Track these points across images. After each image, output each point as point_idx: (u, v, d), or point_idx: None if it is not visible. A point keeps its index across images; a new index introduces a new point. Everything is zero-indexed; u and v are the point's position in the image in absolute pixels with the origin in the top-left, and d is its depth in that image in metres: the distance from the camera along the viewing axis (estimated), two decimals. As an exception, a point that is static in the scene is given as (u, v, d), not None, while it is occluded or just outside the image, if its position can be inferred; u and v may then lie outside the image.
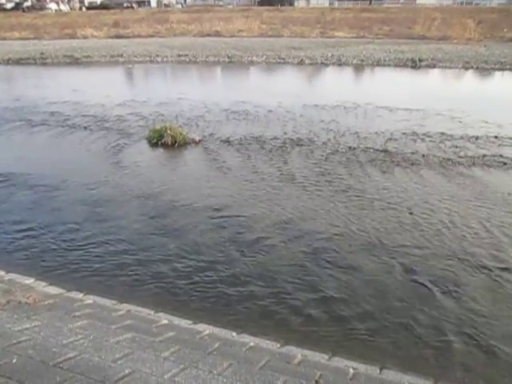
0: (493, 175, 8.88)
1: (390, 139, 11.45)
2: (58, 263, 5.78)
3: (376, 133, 12.04)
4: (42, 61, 29.48)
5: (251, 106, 15.56)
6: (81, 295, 4.90)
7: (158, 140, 11.37)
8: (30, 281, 5.14)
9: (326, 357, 3.77)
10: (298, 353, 3.72)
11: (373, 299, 4.99)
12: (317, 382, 3.07)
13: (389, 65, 25.30)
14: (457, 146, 10.75)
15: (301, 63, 26.43)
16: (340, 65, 25.94)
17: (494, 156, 9.94)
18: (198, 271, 5.56)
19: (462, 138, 11.46)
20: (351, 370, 3.46)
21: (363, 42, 35.37)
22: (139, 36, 42.65)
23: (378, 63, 25.71)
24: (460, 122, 13.14)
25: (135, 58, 29.35)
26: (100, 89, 19.66)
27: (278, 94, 17.67)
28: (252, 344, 3.83)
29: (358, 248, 6.15)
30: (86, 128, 13.01)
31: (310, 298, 5.01)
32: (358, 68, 25.21)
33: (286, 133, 12.16)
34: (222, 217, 7.13)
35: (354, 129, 12.45)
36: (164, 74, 25.33)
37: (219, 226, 6.84)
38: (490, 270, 5.56)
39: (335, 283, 5.28)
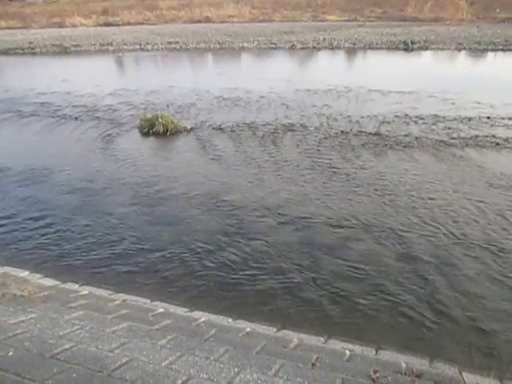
0: (486, 156, 8.90)
1: (383, 122, 11.43)
2: (52, 255, 5.75)
3: (368, 116, 12.02)
4: (30, 50, 29.10)
5: (243, 93, 15.47)
6: (76, 286, 4.88)
7: (149, 129, 11.30)
8: (24, 273, 5.12)
9: (322, 339, 3.79)
10: (294, 337, 3.74)
11: (367, 281, 5.01)
12: (313, 364, 3.09)
13: (381, 48, 25.18)
14: (450, 128, 10.75)
15: (292, 48, 26.24)
16: (332, 48, 25.79)
17: (486, 136, 9.96)
18: (192, 259, 5.55)
19: (454, 119, 11.46)
20: (347, 352, 3.48)
21: (355, 25, 35.14)
22: (129, 23, 42.14)
23: (370, 46, 25.57)
24: (453, 103, 13.13)
25: (125, 47, 29.03)
26: (90, 78, 19.46)
27: (270, 79, 17.57)
28: (248, 329, 3.84)
29: (353, 231, 6.16)
30: (76, 118, 12.91)
31: (305, 282, 5.02)
32: (350, 51, 25.07)
33: (277, 118, 12.11)
34: (215, 204, 7.13)
35: (346, 113, 12.42)
36: (155, 62, 25.10)
37: (213, 213, 6.84)
38: (485, 249, 5.59)
39: (330, 267, 5.30)
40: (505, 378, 3.32)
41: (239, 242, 5.94)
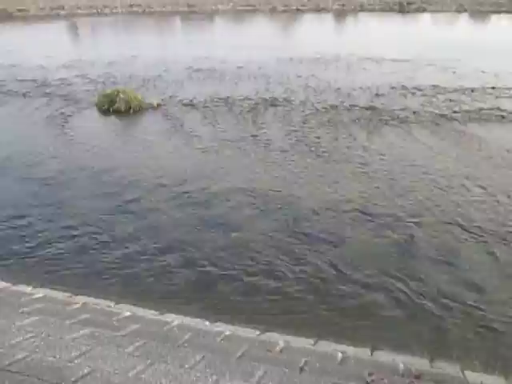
0: (490, 130, 9.04)
1: (377, 95, 11.49)
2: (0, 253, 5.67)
3: (361, 88, 12.06)
4: (-34, 16, 28.27)
5: (217, 63, 15.34)
6: (29, 288, 4.81)
7: (109, 106, 11.17)
8: (-33, 275, 5.02)
9: (312, 342, 3.82)
10: (279, 339, 3.76)
11: (361, 273, 5.05)
12: (302, 368, 3.11)
13: (373, 9, 25.22)
14: (451, 100, 10.87)
15: (273, 10, 26.08)
16: (318, 11, 25.72)
17: (491, 109, 10.11)
18: (162, 255, 5.52)
19: (456, 90, 11.59)
20: (340, 354, 3.52)
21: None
22: (82, -17, 41.13)
23: (362, 8, 25.60)
24: (454, 72, 13.26)
25: (79, 11, 28.44)
26: (39, 48, 19.03)
27: (248, 47, 17.45)
28: (228, 333, 3.84)
29: (345, 220, 6.19)
30: (24, 95, 12.66)
31: (290, 277, 5.04)
32: (339, 14, 25.04)
33: (258, 92, 12.06)
34: (187, 192, 7.07)
35: (335, 84, 12.43)
36: (114, 28, 24.66)
37: (185, 202, 6.79)
38: (489, 234, 5.69)
39: (319, 259, 5.31)
40: (510, 376, 3.41)
41: (215, 235, 5.92)
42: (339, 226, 6.06)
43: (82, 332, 3.59)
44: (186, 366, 3.09)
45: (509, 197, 6.61)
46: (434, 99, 11.05)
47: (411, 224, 6.03)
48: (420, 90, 11.76)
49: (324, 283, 4.96)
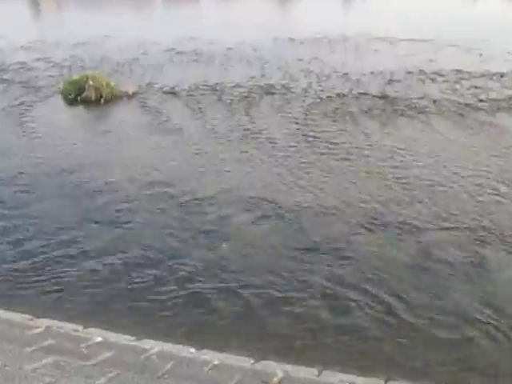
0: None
1: (391, 81, 11.50)
2: None
3: (372, 73, 12.07)
4: None
5: (204, 44, 15.33)
6: (-19, 310, 4.80)
7: (76, 95, 11.12)
8: None
9: (315, 371, 3.81)
10: (277, 369, 3.75)
11: (374, 290, 5.04)
12: (303, 403, 3.11)
13: (386, -19, 25.26)
14: (476, 87, 10.90)
15: (269, -18, 26.11)
16: (322, -18, 25.74)
17: (524, 98, 10.16)
18: (138, 269, 5.49)
19: (482, 75, 11.63)
20: (347, 386, 3.53)
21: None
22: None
23: (372, -21, 25.63)
24: (480, 54, 13.31)
25: (40, -18, 28.35)
26: (-7, 26, 18.99)
27: (240, 25, 17.44)
28: (216, 362, 3.83)
29: (354, 228, 6.18)
30: (-24, 82, 12.61)
31: (290, 295, 5.02)
32: (346, -14, 25.08)
33: (252, 78, 12.07)
34: (170, 196, 7.05)
35: (342, 69, 12.43)
36: (83, 2, 24.61)
37: (167, 208, 6.77)
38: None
39: (324, 273, 5.29)
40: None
41: (202, 245, 5.91)
42: (347, 234, 6.06)
43: (44, 361, 3.57)
44: (168, 401, 3.08)
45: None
46: (458, 86, 11.08)
47: (431, 232, 6.04)
48: (441, 75, 11.79)
49: (330, 301, 4.95)
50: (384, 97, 10.56)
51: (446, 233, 6.05)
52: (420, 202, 6.75)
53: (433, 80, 11.52)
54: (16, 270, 5.58)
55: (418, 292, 5.05)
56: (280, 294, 5.08)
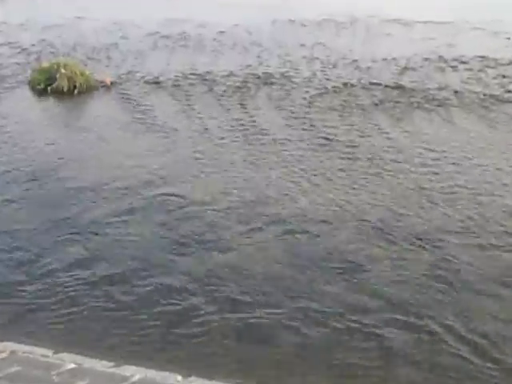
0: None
1: (406, 69, 11.51)
2: None
3: (384, 60, 12.08)
4: None
5: (192, 27, 15.34)
6: None
7: (46, 85, 11.06)
8: None
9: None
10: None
11: (388, 311, 5.02)
12: None
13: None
14: (504, 76, 10.91)
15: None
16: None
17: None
18: (118, 285, 5.44)
19: (511, 62, 11.62)
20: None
21: None
22: None
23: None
24: (508, 38, 13.32)
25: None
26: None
27: (235, 5, 17.42)
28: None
29: (364, 237, 6.15)
30: None
31: (290, 317, 4.97)
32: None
33: (248, 66, 12.06)
34: (153, 200, 7.03)
35: (350, 55, 12.44)
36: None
37: (150, 213, 6.74)
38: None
39: (331, 290, 5.25)
40: None
41: (190, 257, 5.88)
42: (356, 244, 6.03)
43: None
44: None
45: None
46: (482, 74, 11.09)
47: (453, 243, 6.00)
48: (463, 62, 11.80)
49: (336, 324, 4.90)
50: (398, 87, 10.56)
51: (466, 243, 6.02)
52: (439, 205, 6.74)
53: (454, 68, 11.53)
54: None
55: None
56: (277, 317, 5.03)
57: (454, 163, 7.78)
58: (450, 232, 6.24)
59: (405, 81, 10.89)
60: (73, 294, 5.40)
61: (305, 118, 9.43)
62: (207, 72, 11.70)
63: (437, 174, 7.52)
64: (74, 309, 5.19)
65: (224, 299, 5.26)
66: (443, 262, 5.73)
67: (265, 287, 5.42)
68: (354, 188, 7.22)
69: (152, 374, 4.12)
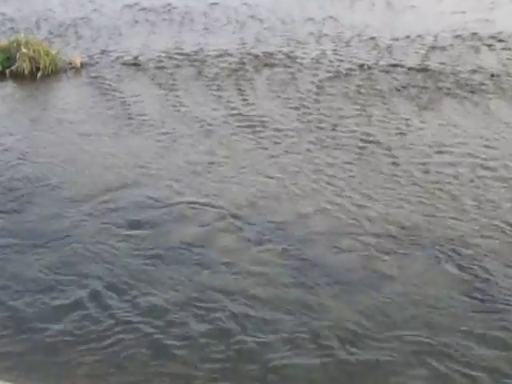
0: None
1: (433, 48, 11.52)
2: None
3: (408, 38, 12.09)
4: None
5: (178, -3, 15.39)
6: None
7: (4, 67, 11.14)
8: None
9: None
10: None
11: (408, 337, 5.06)
12: None
13: None
14: (551, 57, 10.97)
15: None
16: None
17: None
18: (80, 308, 5.44)
19: (558, 41, 11.70)
20: None
21: None
22: None
23: None
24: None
25: None
26: None
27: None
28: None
29: (384, 250, 6.18)
30: None
31: (294, 337, 5.02)
32: None
33: (244, 44, 12.07)
34: (127, 206, 7.06)
35: (367, 32, 12.45)
36: None
37: (117, 220, 6.78)
38: None
39: (341, 312, 5.30)
40: None
41: (171, 272, 5.91)
42: (372, 259, 6.07)
43: None
44: None
45: None
46: (524, 55, 11.13)
47: (487, 259, 6.04)
48: (501, 40, 11.82)
49: (343, 354, 4.95)
50: (424, 70, 10.59)
51: (503, 260, 6.07)
52: (471, 213, 6.77)
53: (490, 47, 11.56)
54: None
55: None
56: (274, 346, 5.08)
57: (487, 159, 7.81)
58: (478, 235, 6.31)
59: (431, 62, 10.92)
60: (22, 316, 5.41)
61: (312, 105, 9.46)
62: (196, 51, 11.73)
63: (469, 171, 7.54)
64: (34, 335, 5.21)
65: (206, 321, 5.31)
66: (478, 276, 5.78)
67: (257, 308, 5.47)
68: (369, 188, 7.25)
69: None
